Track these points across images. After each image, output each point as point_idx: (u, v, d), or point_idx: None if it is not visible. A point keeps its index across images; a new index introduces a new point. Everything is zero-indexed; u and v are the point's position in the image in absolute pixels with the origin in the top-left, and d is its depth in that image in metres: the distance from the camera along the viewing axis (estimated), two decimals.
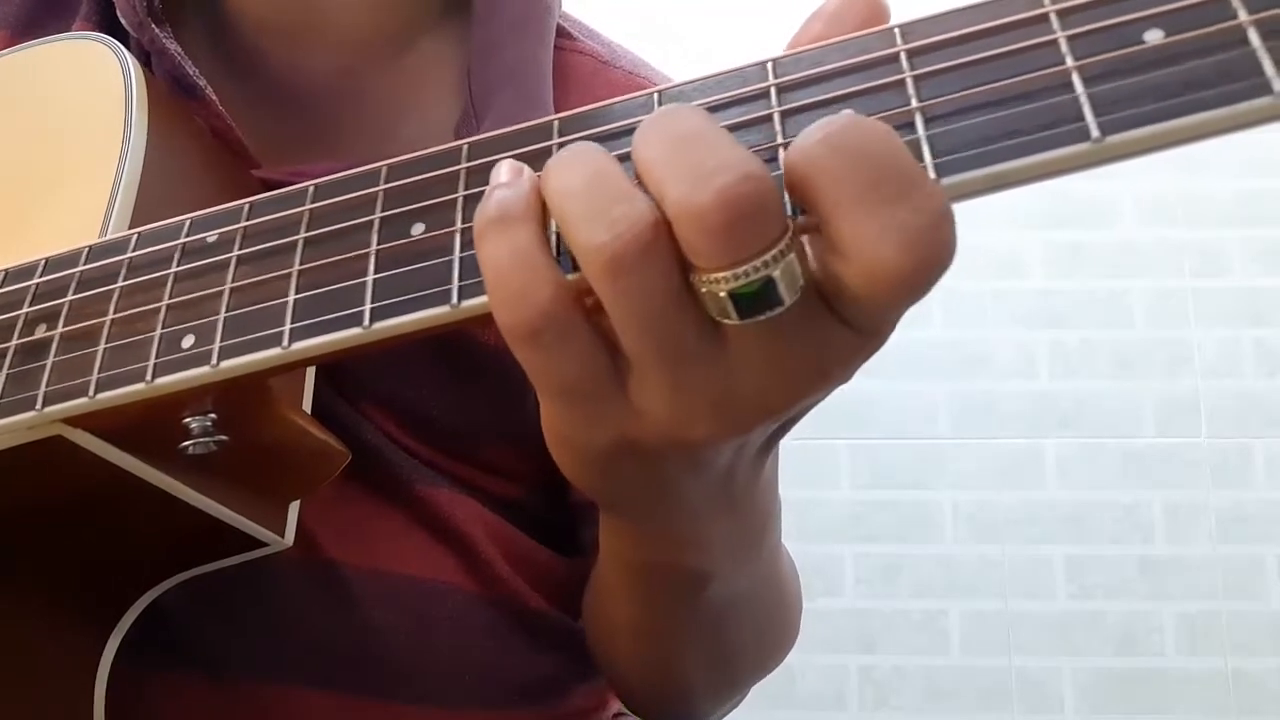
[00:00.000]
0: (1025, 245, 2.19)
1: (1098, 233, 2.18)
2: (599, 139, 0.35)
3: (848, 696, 2.08)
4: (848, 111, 0.31)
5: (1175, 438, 2.11)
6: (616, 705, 0.69)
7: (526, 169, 0.33)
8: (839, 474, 2.14)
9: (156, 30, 0.58)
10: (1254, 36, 0.28)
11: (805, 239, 0.32)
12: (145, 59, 0.59)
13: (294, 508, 0.51)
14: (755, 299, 0.30)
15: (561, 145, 0.35)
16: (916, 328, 2.17)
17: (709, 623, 0.52)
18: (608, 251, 0.30)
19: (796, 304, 0.31)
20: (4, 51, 0.59)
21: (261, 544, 0.50)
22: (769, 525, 0.48)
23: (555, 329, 0.32)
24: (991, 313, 2.18)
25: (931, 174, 0.30)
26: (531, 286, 0.32)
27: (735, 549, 0.45)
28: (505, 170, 0.34)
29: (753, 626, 0.56)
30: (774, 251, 0.29)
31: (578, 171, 0.32)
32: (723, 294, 0.30)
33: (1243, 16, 0.28)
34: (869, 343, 0.33)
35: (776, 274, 0.30)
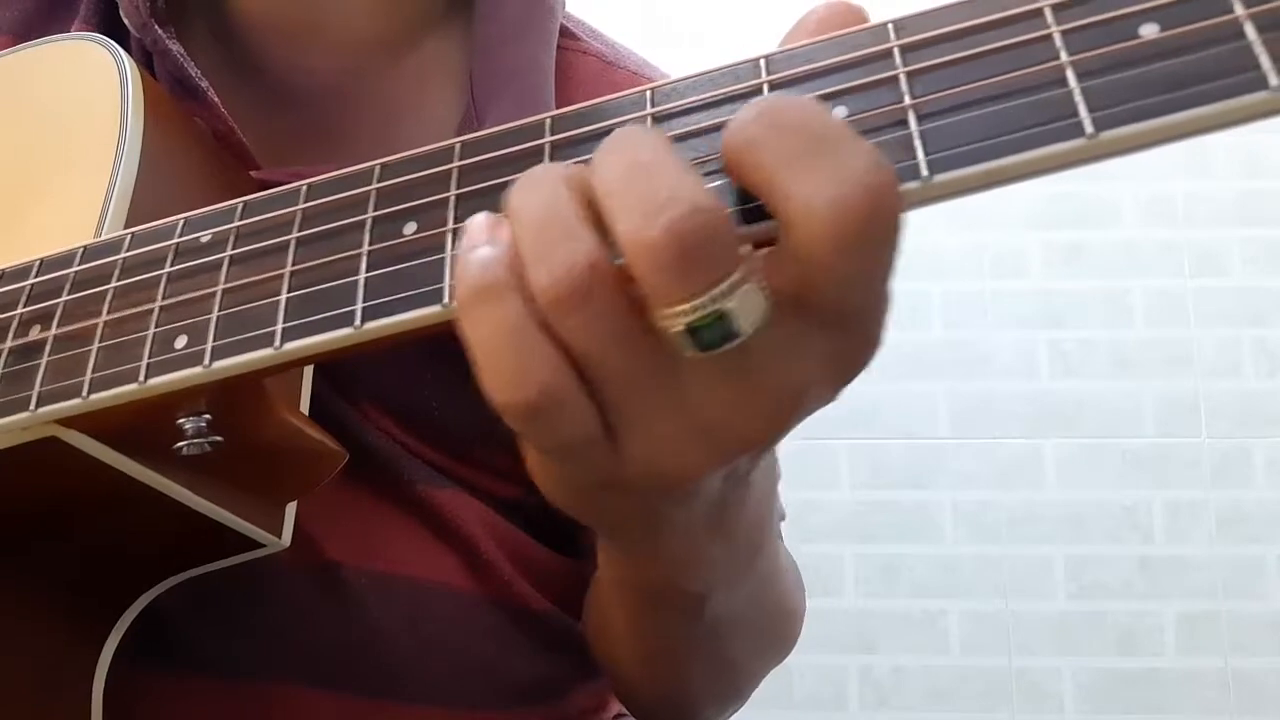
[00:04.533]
0: (1025, 245, 2.19)
1: (1098, 233, 2.19)
2: (590, 138, 0.35)
3: (848, 696, 2.07)
4: (769, 95, 0.31)
5: (1175, 438, 2.11)
6: (617, 706, 0.69)
7: (501, 218, 0.32)
8: (839, 474, 2.14)
9: (160, 31, 0.58)
10: (1250, 30, 0.27)
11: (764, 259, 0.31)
12: (146, 60, 0.59)
13: (291, 508, 0.51)
14: (712, 332, 0.29)
15: (554, 144, 0.35)
16: (916, 328, 2.17)
17: (708, 637, 0.51)
18: (550, 294, 0.30)
19: (759, 331, 0.30)
20: (4, 52, 0.59)
21: (258, 545, 0.50)
22: (765, 536, 0.47)
23: (553, 403, 0.31)
24: (991, 313, 2.18)
25: (924, 171, 0.30)
26: (528, 367, 0.31)
27: (731, 567, 0.45)
28: (481, 227, 0.32)
29: (754, 636, 0.56)
30: (728, 283, 0.29)
31: (530, 205, 0.31)
32: (679, 329, 0.30)
33: (1239, 10, 0.28)
34: (849, 343, 0.32)
35: (732, 305, 0.29)
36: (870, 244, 0.29)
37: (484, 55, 0.63)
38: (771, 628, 0.59)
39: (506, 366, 0.31)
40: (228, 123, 0.57)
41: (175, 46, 0.58)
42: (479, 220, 0.33)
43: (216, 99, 0.57)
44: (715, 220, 0.29)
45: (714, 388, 0.32)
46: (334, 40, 0.63)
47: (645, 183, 0.29)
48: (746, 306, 0.29)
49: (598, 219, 0.30)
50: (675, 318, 0.29)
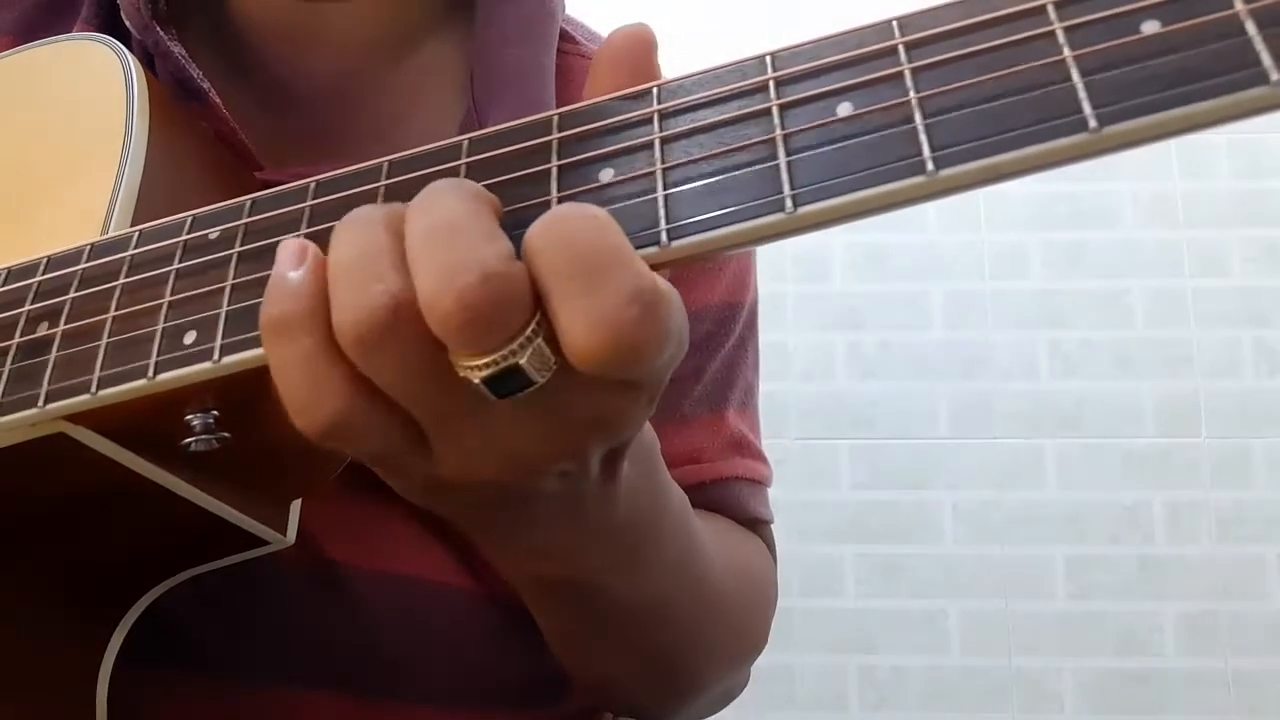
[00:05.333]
0: (1025, 245, 2.19)
1: (1098, 233, 2.19)
2: (597, 134, 0.35)
3: (848, 696, 2.08)
4: (565, 205, 0.32)
5: (1175, 438, 2.11)
6: None
7: (312, 249, 0.34)
8: (839, 474, 2.14)
9: (161, 32, 0.58)
10: (1251, 26, 0.28)
11: None
12: (147, 61, 0.59)
13: (295, 506, 0.51)
14: (506, 383, 0.31)
15: (561, 140, 0.35)
16: (916, 328, 2.18)
17: (619, 625, 0.52)
18: (349, 335, 0.32)
19: (553, 378, 0.32)
20: (6, 53, 0.59)
21: (263, 542, 0.50)
22: (661, 538, 0.49)
23: (347, 428, 0.34)
24: (991, 313, 2.18)
25: (930, 166, 0.30)
26: (320, 396, 0.33)
27: (619, 563, 0.46)
28: (289, 253, 0.34)
29: (685, 627, 0.56)
30: (519, 341, 0.31)
31: (344, 244, 0.33)
32: (475, 380, 0.31)
33: (1239, 6, 0.28)
34: (634, 396, 0.34)
35: (523, 361, 0.31)
36: (625, 362, 0.31)
37: (484, 57, 0.63)
38: (709, 623, 0.59)
39: (300, 394, 0.34)
40: (229, 124, 0.57)
41: (177, 48, 0.58)
42: (288, 246, 0.34)
43: (218, 100, 0.57)
44: (506, 287, 0.30)
45: (519, 421, 0.34)
46: (335, 42, 0.63)
47: (444, 246, 0.31)
48: (539, 359, 0.31)
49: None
50: (472, 370, 0.31)
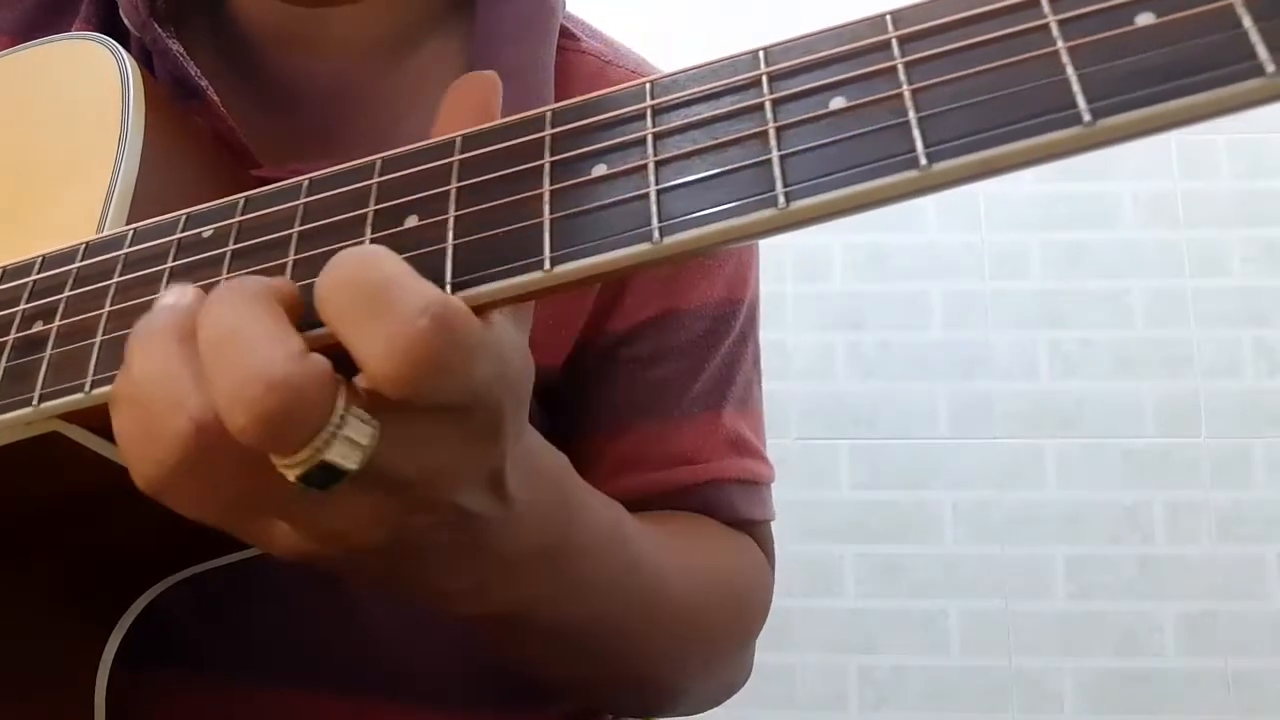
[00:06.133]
0: (1025, 245, 2.19)
1: (1098, 233, 2.19)
2: (590, 130, 0.35)
3: (848, 696, 2.08)
4: (342, 252, 0.33)
5: (1175, 438, 2.11)
6: None
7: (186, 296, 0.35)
8: (839, 474, 2.14)
9: (159, 31, 0.58)
10: (1246, 18, 0.28)
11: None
12: (145, 59, 0.59)
13: None
14: (321, 477, 0.32)
15: (554, 137, 0.35)
16: (916, 328, 2.18)
17: (556, 649, 0.52)
18: (167, 466, 0.33)
19: (371, 460, 0.32)
20: (4, 52, 0.59)
21: None
22: (584, 556, 0.48)
23: (175, 488, 0.35)
24: (991, 313, 2.18)
25: (923, 160, 0.30)
26: (140, 458, 0.34)
27: (540, 590, 0.45)
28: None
29: (628, 642, 0.55)
30: (323, 436, 0.31)
31: (140, 369, 0.34)
32: (292, 478, 0.32)
33: None
34: (464, 421, 0.34)
35: (331, 455, 0.31)
36: (428, 377, 0.31)
37: (485, 55, 0.63)
38: (666, 631, 0.57)
39: (129, 450, 0.35)
40: (227, 122, 0.57)
41: (175, 46, 0.58)
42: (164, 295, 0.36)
43: (216, 99, 0.57)
44: (294, 393, 0.31)
45: (355, 495, 0.34)
46: (334, 43, 0.63)
47: (231, 356, 0.31)
48: (347, 449, 0.32)
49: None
50: (286, 469, 0.32)
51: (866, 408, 2.16)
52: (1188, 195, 2.19)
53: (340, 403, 0.32)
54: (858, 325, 2.20)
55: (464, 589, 0.42)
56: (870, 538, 2.12)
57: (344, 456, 0.32)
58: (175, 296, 0.35)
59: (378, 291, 0.31)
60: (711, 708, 0.67)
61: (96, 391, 0.39)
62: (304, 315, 0.34)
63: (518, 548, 0.42)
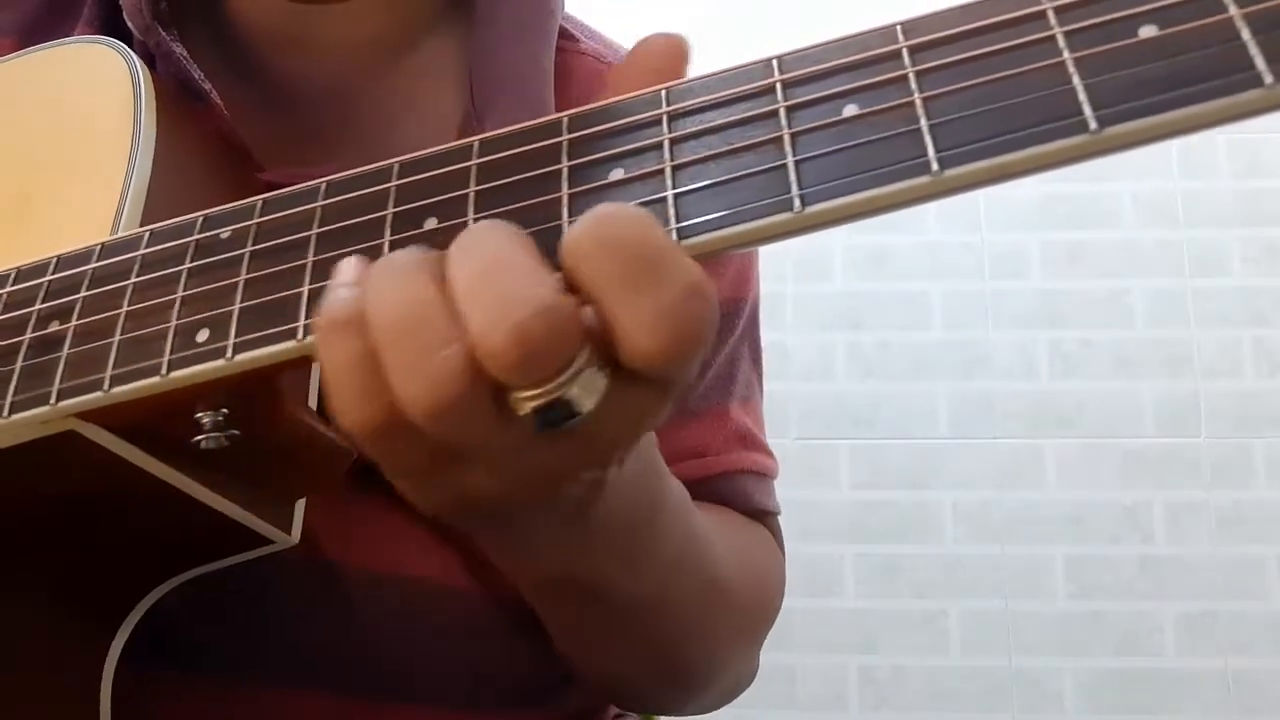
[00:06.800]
0: (1025, 245, 2.20)
1: (1098, 233, 2.19)
2: (606, 135, 0.35)
3: (848, 696, 2.08)
4: (605, 205, 0.32)
5: (1175, 438, 2.12)
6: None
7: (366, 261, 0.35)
8: (839, 474, 2.14)
9: (163, 34, 0.58)
10: (1245, 31, 0.28)
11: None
12: (148, 61, 0.59)
13: (300, 505, 0.52)
14: (555, 413, 0.32)
15: (571, 142, 0.36)
16: (916, 328, 2.18)
17: (619, 624, 0.53)
18: (423, 404, 0.32)
19: (599, 408, 0.32)
20: (10, 56, 0.60)
21: (268, 541, 0.50)
22: (661, 531, 0.49)
23: (393, 430, 0.34)
24: (991, 313, 2.18)
25: (935, 166, 0.30)
26: (368, 393, 0.33)
27: (621, 558, 0.47)
28: (348, 269, 0.35)
29: (680, 623, 0.56)
30: (569, 373, 0.31)
31: (394, 309, 0.33)
32: (525, 411, 0.32)
33: (1234, 10, 0.29)
34: (668, 394, 0.35)
35: (574, 392, 0.32)
36: (690, 354, 0.31)
37: (484, 56, 0.63)
38: (713, 614, 0.59)
39: (350, 393, 0.34)
40: (229, 124, 0.57)
41: (179, 49, 0.58)
42: (346, 262, 0.35)
43: (219, 101, 0.57)
44: (557, 321, 0.31)
45: (555, 445, 0.34)
46: (333, 43, 0.63)
47: (494, 283, 0.31)
48: (587, 390, 0.32)
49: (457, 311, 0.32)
50: (522, 402, 0.32)
51: (866, 408, 2.16)
52: (1188, 195, 2.19)
53: (587, 346, 0.32)
54: (858, 325, 2.20)
55: (561, 550, 0.43)
56: (870, 538, 2.13)
57: (584, 397, 0.32)
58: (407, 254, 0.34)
59: (651, 259, 0.31)
60: (717, 708, 0.67)
61: (115, 390, 0.39)
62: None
63: (614, 512, 0.43)
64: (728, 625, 0.61)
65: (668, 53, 0.37)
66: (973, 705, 2.07)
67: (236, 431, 0.41)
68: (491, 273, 0.32)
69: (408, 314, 0.32)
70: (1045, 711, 2.06)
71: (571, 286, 0.32)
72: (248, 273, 0.38)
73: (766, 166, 0.33)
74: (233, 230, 0.40)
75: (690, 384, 0.35)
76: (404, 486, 0.37)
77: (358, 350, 0.33)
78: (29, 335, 0.42)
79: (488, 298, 0.31)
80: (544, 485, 0.36)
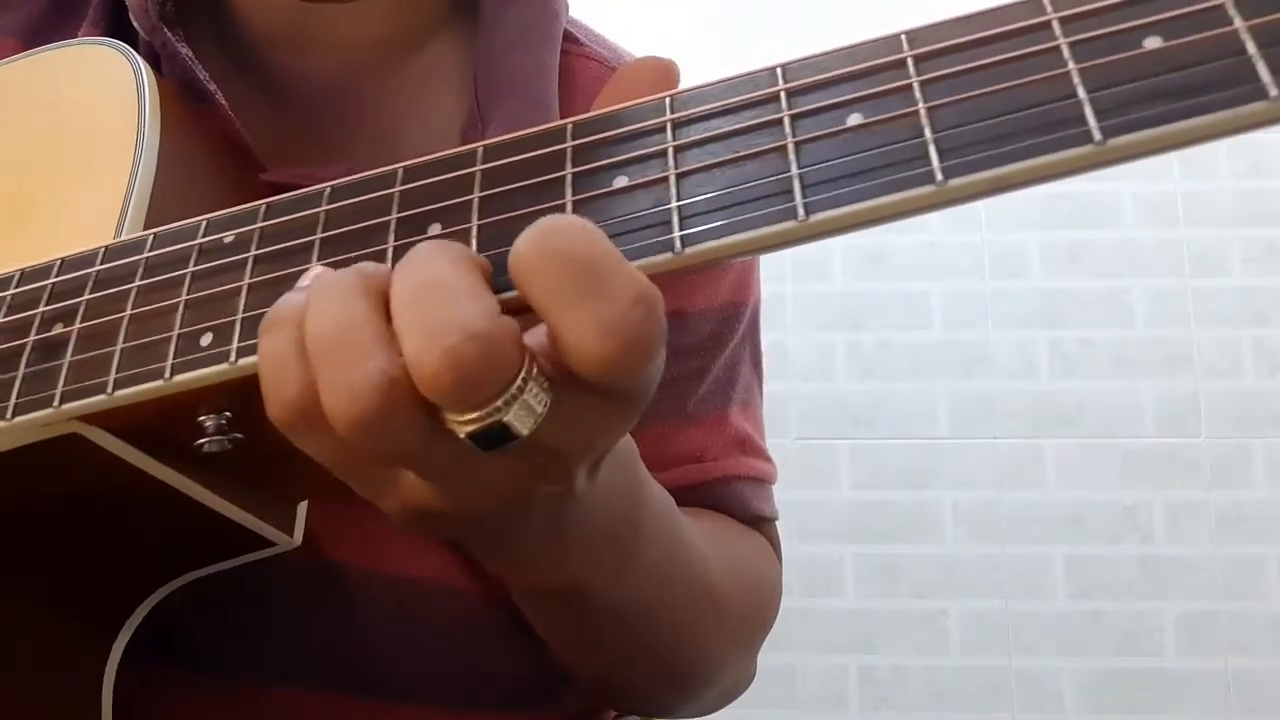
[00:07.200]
0: (1025, 245, 2.20)
1: (1098, 233, 2.19)
2: (611, 142, 0.35)
3: (848, 696, 2.08)
4: (551, 217, 0.32)
5: (1175, 438, 2.12)
6: None
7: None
8: (839, 474, 2.14)
9: (169, 34, 0.58)
10: (1250, 43, 0.28)
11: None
12: (153, 62, 0.59)
13: (302, 508, 0.52)
14: (491, 438, 0.32)
15: (575, 149, 0.36)
16: (916, 328, 2.18)
17: (607, 631, 0.53)
18: (343, 419, 0.32)
19: (539, 430, 0.32)
20: (14, 57, 0.59)
21: (270, 543, 0.50)
22: (643, 538, 0.49)
23: (311, 431, 0.34)
24: (991, 313, 2.18)
25: (939, 176, 0.30)
26: (282, 384, 0.34)
27: (603, 566, 0.46)
28: (307, 277, 0.36)
29: (669, 628, 0.56)
30: (505, 397, 0.31)
31: (323, 322, 0.33)
32: (461, 435, 0.32)
33: (1238, 23, 0.29)
34: (626, 406, 0.35)
35: (509, 417, 0.31)
36: (638, 364, 0.31)
37: (488, 59, 0.63)
38: (704, 619, 0.59)
39: (269, 382, 0.34)
40: (234, 125, 0.57)
41: (185, 49, 0.58)
42: (309, 272, 0.36)
43: (224, 102, 0.57)
44: (491, 345, 0.31)
45: (498, 463, 0.34)
46: (337, 44, 0.63)
47: (429, 305, 0.31)
48: (524, 413, 0.32)
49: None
50: (458, 425, 0.32)
51: (866, 408, 2.16)
52: (1188, 195, 2.19)
53: (524, 368, 0.32)
54: (858, 325, 2.20)
55: (540, 560, 0.43)
56: (870, 538, 2.13)
57: (519, 421, 0.32)
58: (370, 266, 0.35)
59: (592, 269, 0.31)
60: (716, 709, 0.67)
61: (119, 393, 0.39)
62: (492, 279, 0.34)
63: (593, 521, 0.43)
64: (720, 632, 0.61)
65: (657, 78, 0.38)
66: (973, 705, 2.07)
67: (239, 435, 0.41)
68: (427, 294, 0.32)
69: (334, 328, 0.33)
70: (1045, 711, 2.06)
71: (520, 303, 0.32)
72: (251, 277, 0.38)
73: (770, 175, 0.33)
74: (236, 234, 0.40)
75: (650, 396, 0.35)
76: (355, 488, 0.38)
77: (283, 349, 0.34)
78: (33, 338, 0.42)
79: (421, 320, 0.31)
80: (496, 499, 0.36)
